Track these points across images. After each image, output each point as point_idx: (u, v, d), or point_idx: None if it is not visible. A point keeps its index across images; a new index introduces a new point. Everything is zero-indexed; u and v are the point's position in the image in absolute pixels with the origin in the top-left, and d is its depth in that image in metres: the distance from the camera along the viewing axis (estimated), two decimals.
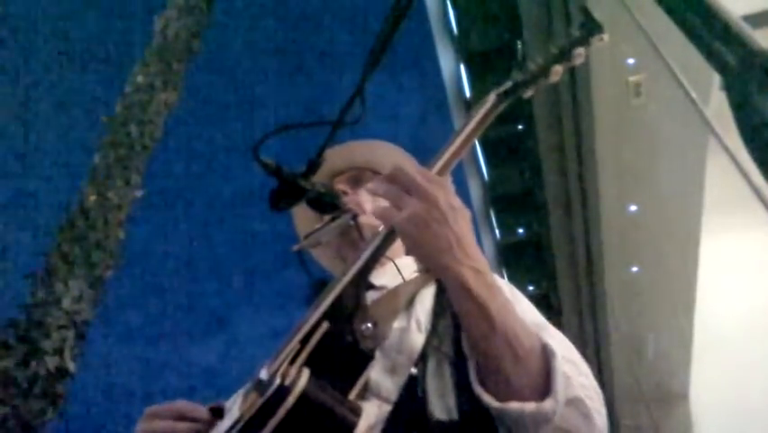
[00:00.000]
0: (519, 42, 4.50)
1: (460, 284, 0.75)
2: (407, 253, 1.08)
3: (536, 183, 6.15)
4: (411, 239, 0.79)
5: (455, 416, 0.78)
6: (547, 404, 0.72)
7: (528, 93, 0.93)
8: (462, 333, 0.84)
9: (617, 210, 5.79)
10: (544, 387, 0.74)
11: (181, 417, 0.89)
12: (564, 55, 0.92)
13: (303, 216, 1.23)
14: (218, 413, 0.88)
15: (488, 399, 0.75)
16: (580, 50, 0.91)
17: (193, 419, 0.89)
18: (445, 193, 0.78)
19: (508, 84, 0.92)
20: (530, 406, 0.72)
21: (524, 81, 0.92)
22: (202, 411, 0.90)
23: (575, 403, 0.75)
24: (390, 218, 0.80)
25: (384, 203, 0.81)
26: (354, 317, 0.80)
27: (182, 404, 0.92)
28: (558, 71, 0.91)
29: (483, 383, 0.77)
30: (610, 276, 6.42)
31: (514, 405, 0.73)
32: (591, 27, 0.91)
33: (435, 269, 0.79)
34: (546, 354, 0.75)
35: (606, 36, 0.91)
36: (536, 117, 5.42)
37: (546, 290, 7.02)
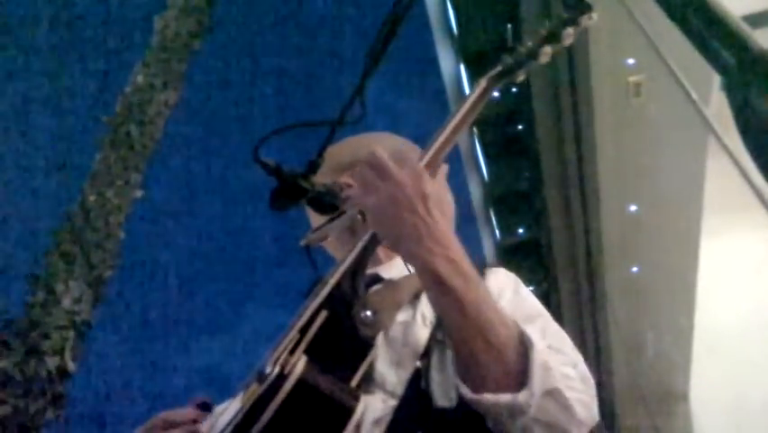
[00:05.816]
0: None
1: (430, 274, 0.75)
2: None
3: (536, 183, 6.14)
4: (378, 226, 0.79)
5: (455, 403, 0.78)
6: (522, 396, 0.71)
7: (520, 76, 0.93)
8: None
9: (617, 210, 5.78)
10: (522, 378, 0.73)
11: (170, 425, 0.89)
12: (553, 36, 0.91)
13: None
14: (205, 408, 0.89)
15: (464, 390, 0.74)
16: (569, 31, 0.91)
17: (182, 423, 0.89)
18: (416, 179, 0.77)
19: (499, 67, 0.92)
20: (505, 397, 0.72)
21: (514, 64, 0.92)
22: (186, 412, 0.90)
23: (553, 394, 0.74)
24: (360, 204, 0.80)
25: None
26: (353, 305, 0.80)
27: (165, 414, 0.91)
28: (547, 52, 0.91)
29: (462, 374, 0.76)
30: (610, 276, 6.41)
31: (488, 396, 0.72)
32: (579, 6, 0.91)
33: (405, 258, 0.78)
34: (524, 345, 0.75)
35: (594, 15, 0.91)
36: (536, 117, 5.42)
37: (546, 290, 7.00)
